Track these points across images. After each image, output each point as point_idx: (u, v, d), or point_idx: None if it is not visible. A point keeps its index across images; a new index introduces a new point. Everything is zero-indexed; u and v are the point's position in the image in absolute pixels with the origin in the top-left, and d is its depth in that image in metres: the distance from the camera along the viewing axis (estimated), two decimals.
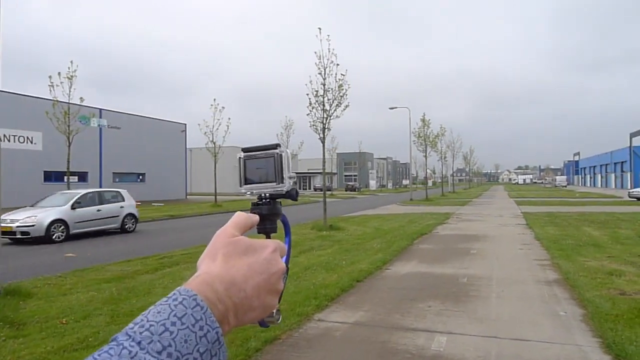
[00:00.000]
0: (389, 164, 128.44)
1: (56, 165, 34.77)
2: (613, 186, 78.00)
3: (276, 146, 0.78)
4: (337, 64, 16.18)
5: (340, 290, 7.42)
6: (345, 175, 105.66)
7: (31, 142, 25.70)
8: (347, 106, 16.75)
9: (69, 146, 23.16)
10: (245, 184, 0.80)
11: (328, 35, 16.19)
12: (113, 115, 42.45)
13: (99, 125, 40.18)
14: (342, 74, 16.22)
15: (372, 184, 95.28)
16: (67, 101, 22.97)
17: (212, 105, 32.68)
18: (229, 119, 33.24)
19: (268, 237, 0.75)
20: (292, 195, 0.80)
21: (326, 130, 16.60)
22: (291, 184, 0.79)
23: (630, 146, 66.99)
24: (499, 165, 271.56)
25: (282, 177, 0.78)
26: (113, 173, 42.00)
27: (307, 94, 16.60)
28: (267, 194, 0.78)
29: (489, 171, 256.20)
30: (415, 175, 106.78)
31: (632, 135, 66.03)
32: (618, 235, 13.85)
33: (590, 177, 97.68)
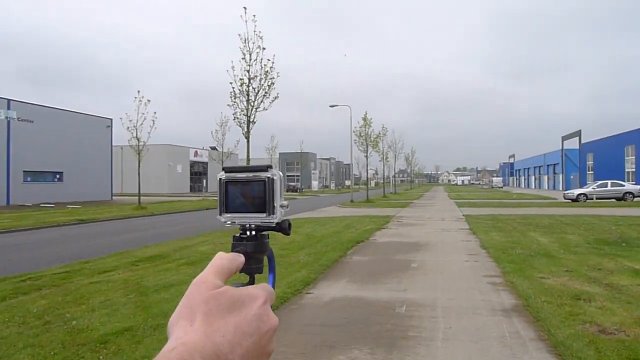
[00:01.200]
0: (332, 165, 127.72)
1: None
2: (546, 187, 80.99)
3: (267, 168, 0.64)
4: (264, 48, 14.15)
5: None
6: (288, 176, 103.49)
7: None
8: (276, 97, 14.76)
9: None
10: (227, 212, 0.65)
11: (254, 16, 14.15)
12: (25, 107, 37.91)
13: (6, 117, 36.05)
14: (268, 59, 14.21)
15: (315, 184, 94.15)
16: None
17: (136, 97, 29.65)
18: (155, 113, 30.39)
19: (252, 279, 0.61)
20: (284, 228, 0.65)
21: (251, 123, 14.52)
22: (283, 213, 0.64)
23: (562, 149, 69.47)
24: (439, 166, 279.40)
25: (273, 207, 0.63)
26: (24, 172, 37.42)
27: (231, 82, 14.47)
28: (254, 226, 0.64)
29: (430, 172, 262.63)
30: (358, 175, 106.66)
31: (564, 138, 68.54)
32: (567, 242, 12.74)
33: (525, 179, 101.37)
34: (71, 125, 41.49)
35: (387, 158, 45.95)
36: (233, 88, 14.46)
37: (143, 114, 30.01)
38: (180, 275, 8.93)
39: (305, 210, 29.76)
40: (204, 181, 78.95)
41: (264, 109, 14.66)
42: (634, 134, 49.28)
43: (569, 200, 36.95)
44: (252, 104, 14.44)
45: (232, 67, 14.20)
